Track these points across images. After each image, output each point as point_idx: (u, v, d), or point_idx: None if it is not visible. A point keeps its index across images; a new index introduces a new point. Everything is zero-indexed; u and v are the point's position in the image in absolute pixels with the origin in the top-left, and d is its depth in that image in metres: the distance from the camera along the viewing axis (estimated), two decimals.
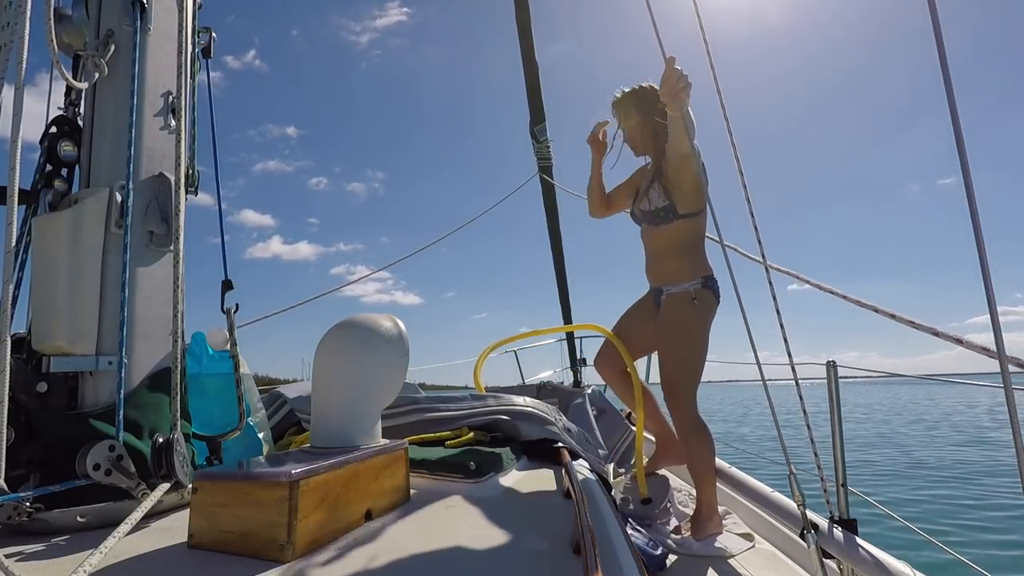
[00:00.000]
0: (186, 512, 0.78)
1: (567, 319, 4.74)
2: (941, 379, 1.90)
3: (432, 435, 1.45)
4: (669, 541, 1.74)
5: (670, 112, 1.68)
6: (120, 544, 0.69)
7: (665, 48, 1.43)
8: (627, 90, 2.03)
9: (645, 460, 2.17)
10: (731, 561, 1.66)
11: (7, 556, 0.68)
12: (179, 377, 0.96)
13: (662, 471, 2.28)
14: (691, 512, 1.91)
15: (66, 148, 1.02)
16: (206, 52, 1.34)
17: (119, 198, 0.99)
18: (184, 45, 1.07)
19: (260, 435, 1.39)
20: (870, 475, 7.57)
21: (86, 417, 0.91)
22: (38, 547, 0.76)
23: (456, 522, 0.88)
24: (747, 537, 1.81)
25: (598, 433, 2.20)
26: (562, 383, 4.03)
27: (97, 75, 1.00)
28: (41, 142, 1.03)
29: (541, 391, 2.98)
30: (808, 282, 1.50)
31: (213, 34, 1.33)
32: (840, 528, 1.31)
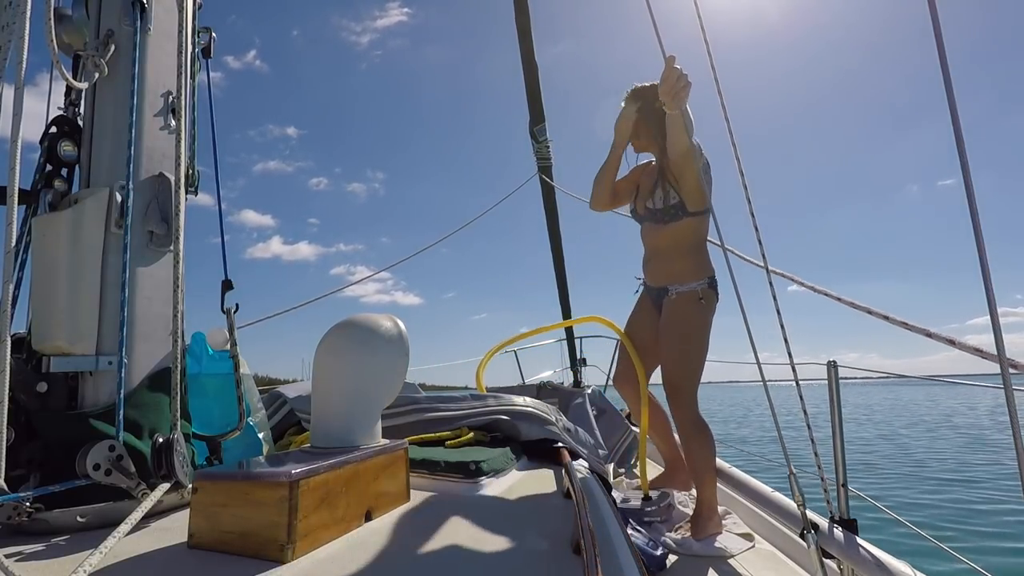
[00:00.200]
0: (186, 512, 0.78)
1: (568, 320, 4.74)
2: (941, 380, 1.90)
3: (432, 435, 1.45)
4: (669, 541, 1.74)
5: (668, 111, 1.68)
6: (120, 544, 0.68)
7: (665, 48, 1.43)
8: (633, 88, 2.03)
9: (647, 463, 2.17)
10: (731, 561, 1.66)
11: (7, 556, 0.68)
12: (179, 377, 0.96)
13: None
14: (691, 512, 1.91)
15: (66, 148, 1.02)
16: (206, 52, 1.34)
17: (119, 198, 0.99)
18: (184, 45, 1.07)
19: (260, 435, 1.39)
20: (870, 475, 7.57)
21: (86, 417, 0.91)
22: (38, 547, 0.76)
23: (456, 522, 0.88)
24: (747, 537, 1.81)
25: (598, 433, 2.20)
26: (562, 383, 4.03)
27: (97, 75, 1.00)
28: (41, 142, 1.03)
29: (541, 391, 2.98)
30: (803, 284, 1.50)
31: (213, 34, 1.33)
32: (840, 528, 1.31)
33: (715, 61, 1.33)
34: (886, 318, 1.20)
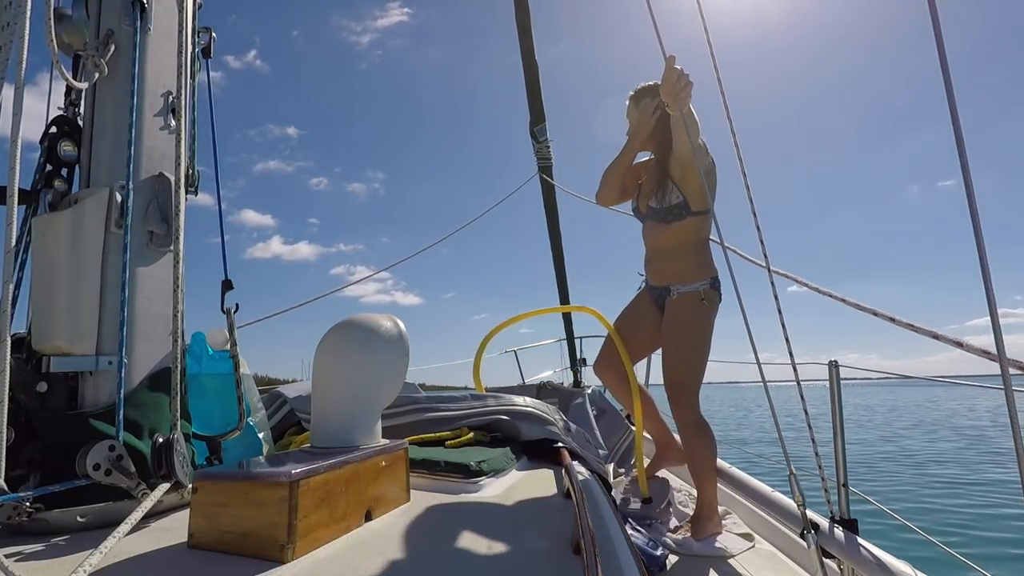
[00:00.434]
0: (186, 512, 0.78)
1: (568, 321, 4.74)
2: (942, 381, 1.89)
3: (432, 435, 1.45)
4: (669, 541, 1.74)
5: (671, 112, 1.68)
6: (120, 544, 0.68)
7: (666, 49, 1.42)
8: (638, 87, 2.03)
9: (645, 462, 2.17)
10: (731, 561, 1.66)
11: (7, 556, 0.68)
12: (179, 377, 0.96)
13: (662, 473, 2.28)
14: (691, 512, 1.91)
15: (66, 148, 1.02)
16: (206, 52, 1.34)
17: (119, 198, 0.99)
18: (184, 45, 1.07)
19: (260, 435, 1.39)
20: (871, 476, 7.57)
21: (86, 417, 0.91)
22: (38, 547, 0.76)
23: (456, 522, 0.88)
24: (747, 537, 1.81)
25: (598, 433, 2.20)
26: (562, 383, 4.03)
27: (97, 75, 1.00)
28: (41, 142, 1.03)
29: (541, 391, 2.98)
30: (808, 286, 1.50)
31: (213, 34, 1.33)
32: (840, 528, 1.31)
33: (717, 61, 1.33)
34: (892, 320, 1.20)
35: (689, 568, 1.61)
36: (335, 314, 1.12)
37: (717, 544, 1.73)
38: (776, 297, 1.32)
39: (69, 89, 1.12)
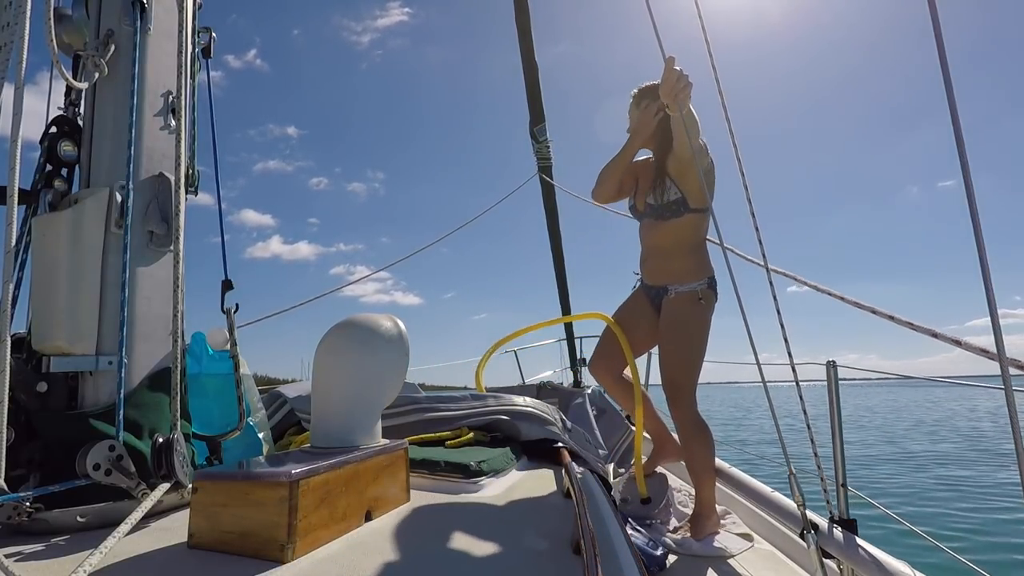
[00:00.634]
0: (186, 512, 0.78)
1: (568, 322, 4.74)
2: (941, 381, 1.90)
3: (432, 435, 1.45)
4: (669, 541, 1.74)
5: (671, 112, 1.68)
6: (120, 544, 0.69)
7: (665, 49, 1.42)
8: (640, 88, 2.03)
9: (644, 460, 2.17)
10: (731, 561, 1.66)
11: (7, 556, 0.68)
12: (179, 377, 0.96)
13: (660, 470, 2.28)
14: (691, 512, 1.91)
15: (66, 148, 1.02)
16: (206, 52, 1.34)
17: (119, 198, 0.99)
18: (184, 45, 1.07)
19: (260, 435, 1.39)
20: (870, 476, 7.57)
21: (86, 417, 0.91)
22: (38, 547, 0.76)
23: (456, 522, 0.88)
24: (747, 537, 1.81)
25: (598, 433, 2.20)
26: (562, 383, 4.03)
27: (97, 75, 1.00)
28: (41, 142, 1.03)
29: (541, 391, 2.98)
30: (807, 284, 1.50)
31: (213, 34, 1.33)
32: (840, 528, 1.31)
33: (716, 61, 1.33)
34: (891, 318, 1.20)
35: (689, 568, 1.61)
36: (335, 314, 1.12)
37: (717, 544, 1.73)
38: (775, 297, 1.32)
39: (69, 89, 1.12)
